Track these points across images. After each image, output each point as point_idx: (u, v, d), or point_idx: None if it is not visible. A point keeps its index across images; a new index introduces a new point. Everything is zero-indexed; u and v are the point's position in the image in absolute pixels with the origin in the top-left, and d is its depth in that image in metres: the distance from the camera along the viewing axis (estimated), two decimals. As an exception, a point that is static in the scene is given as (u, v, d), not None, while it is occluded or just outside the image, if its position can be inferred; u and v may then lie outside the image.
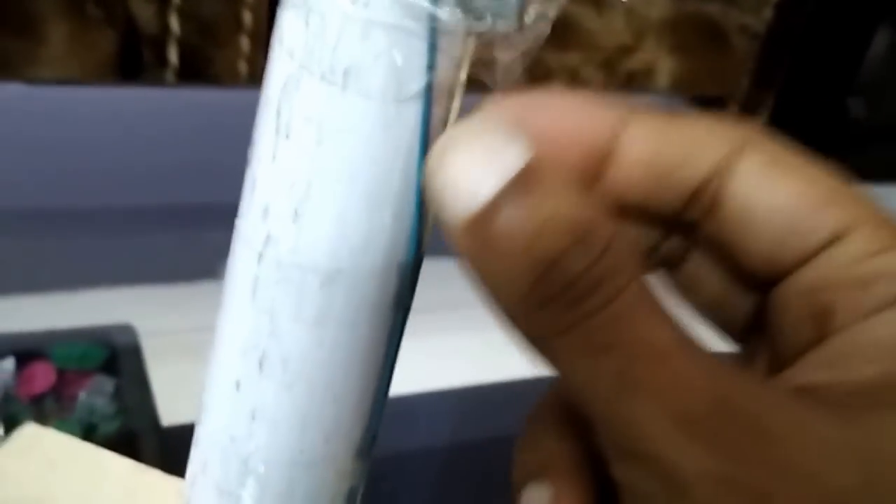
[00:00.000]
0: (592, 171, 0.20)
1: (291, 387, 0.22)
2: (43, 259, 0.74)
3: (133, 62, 1.06)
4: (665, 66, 1.45)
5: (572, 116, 0.20)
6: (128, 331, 0.65)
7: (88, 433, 0.59)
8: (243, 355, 0.22)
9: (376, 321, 0.22)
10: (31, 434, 0.45)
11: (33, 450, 0.44)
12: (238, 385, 0.23)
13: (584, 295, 0.16)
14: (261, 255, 0.21)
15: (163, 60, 1.07)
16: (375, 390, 0.23)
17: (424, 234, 0.22)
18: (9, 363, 0.60)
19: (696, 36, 1.38)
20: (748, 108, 1.31)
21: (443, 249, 0.19)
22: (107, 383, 0.61)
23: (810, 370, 0.18)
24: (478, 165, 0.17)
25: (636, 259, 0.17)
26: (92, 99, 0.87)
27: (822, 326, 0.19)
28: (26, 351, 0.62)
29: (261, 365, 0.22)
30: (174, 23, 1.06)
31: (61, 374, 0.62)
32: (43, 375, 0.61)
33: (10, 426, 0.58)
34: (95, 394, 0.61)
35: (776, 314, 0.20)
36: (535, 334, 0.18)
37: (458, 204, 0.17)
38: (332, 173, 0.19)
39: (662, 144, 0.20)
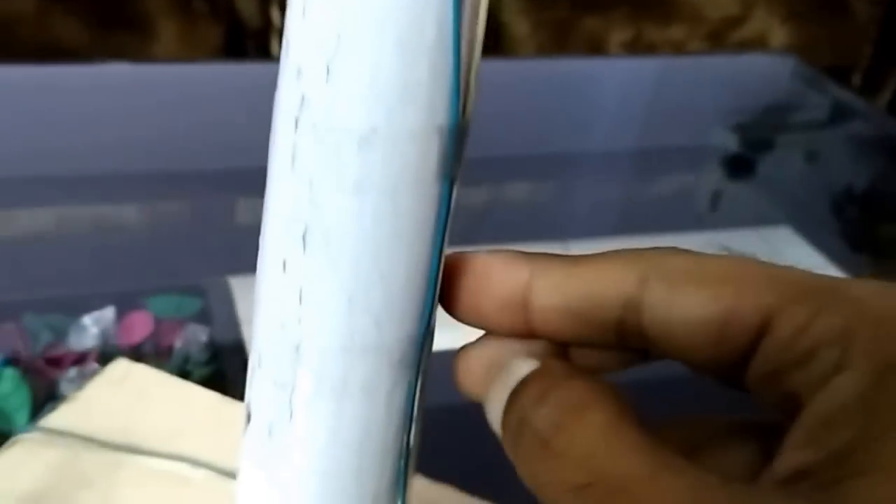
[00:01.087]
0: (519, 324, 0.22)
1: (336, 263, 0.21)
2: (144, 217, 0.77)
3: (238, 54, 1.08)
4: (778, 36, 1.38)
5: (489, 280, 0.22)
6: (221, 283, 0.66)
7: (184, 378, 0.60)
8: (287, 231, 0.22)
9: (419, 190, 0.21)
10: (123, 368, 0.46)
11: (125, 382, 0.45)
12: (284, 265, 0.22)
13: (551, 439, 0.19)
14: (297, 121, 0.20)
15: (266, 52, 1.09)
16: (425, 271, 0.22)
17: (468, 98, 0.20)
18: (109, 312, 0.62)
19: (811, 2, 1.31)
20: (872, 79, 1.24)
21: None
22: (200, 332, 0.62)
23: (796, 453, 0.18)
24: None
25: (591, 394, 0.19)
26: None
27: (792, 409, 0.19)
28: (125, 301, 0.64)
29: (304, 240, 0.21)
30: (276, 16, 1.08)
31: (158, 323, 0.63)
32: (141, 324, 0.63)
33: None
34: (190, 342, 0.62)
35: (756, 397, 0.21)
36: (530, 483, 0.20)
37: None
38: (362, 22, 0.18)
39: (567, 293, 0.21)
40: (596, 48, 1.29)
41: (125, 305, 0.64)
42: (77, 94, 0.88)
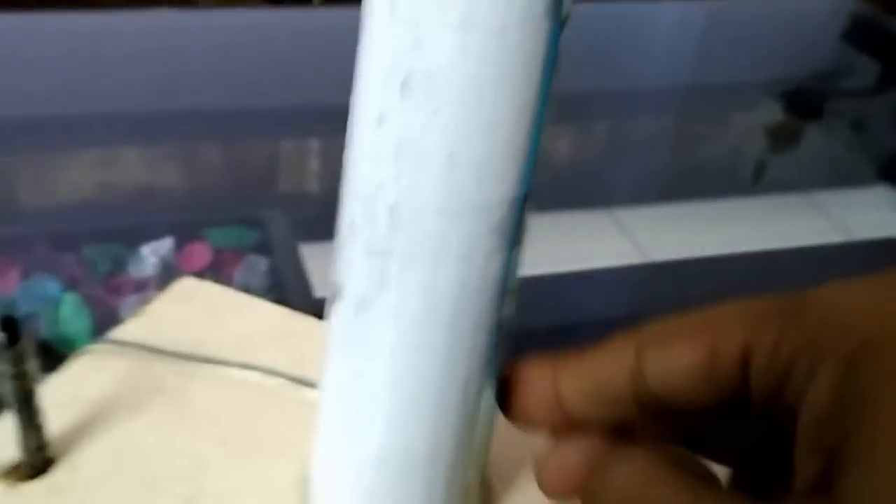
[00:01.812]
0: (560, 419, 0.24)
1: (438, 112, 0.20)
2: (201, 152, 0.77)
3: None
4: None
5: (527, 387, 0.24)
6: (278, 215, 0.66)
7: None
8: (386, 81, 0.21)
9: (527, 29, 0.20)
10: (189, 284, 0.46)
11: (192, 298, 0.45)
12: (381, 119, 0.21)
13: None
14: (399, -44, 0.19)
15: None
16: (530, 121, 0.21)
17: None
18: (168, 241, 0.62)
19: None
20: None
21: None
22: (260, 262, 0.62)
23: (805, 465, 0.19)
24: None
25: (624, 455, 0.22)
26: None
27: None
28: (184, 232, 0.64)
29: (404, 87, 0.20)
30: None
31: (217, 253, 0.63)
32: (200, 255, 0.63)
33: None
34: (250, 271, 0.62)
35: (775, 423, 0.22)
36: None
37: None
38: None
39: (585, 382, 0.23)
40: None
41: (184, 236, 0.64)
42: (127, 38, 0.88)
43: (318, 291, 0.60)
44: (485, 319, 0.24)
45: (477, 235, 0.22)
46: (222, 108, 0.80)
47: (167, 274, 0.61)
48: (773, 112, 1.16)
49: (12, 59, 0.79)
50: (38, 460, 0.33)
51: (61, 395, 0.37)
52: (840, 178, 1.22)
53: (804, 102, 1.18)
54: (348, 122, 0.23)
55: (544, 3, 0.19)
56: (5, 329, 0.29)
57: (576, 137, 1.05)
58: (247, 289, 0.62)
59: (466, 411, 0.27)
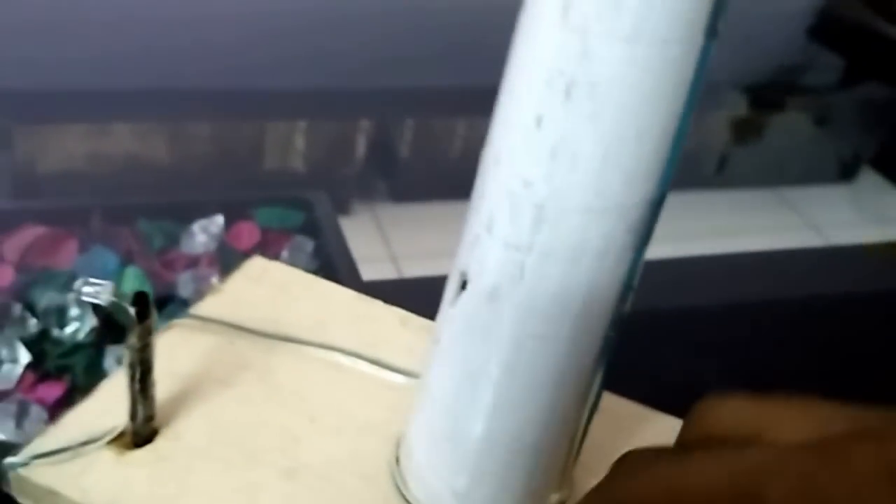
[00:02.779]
0: None
1: (597, 116, 0.22)
2: (249, 132, 0.78)
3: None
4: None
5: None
6: (323, 197, 0.67)
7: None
8: (548, 85, 0.22)
9: (687, 43, 0.21)
10: (260, 264, 0.47)
11: (263, 277, 0.46)
12: (539, 121, 0.23)
13: None
14: (577, -31, 0.20)
15: None
16: (675, 130, 0.23)
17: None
18: (218, 219, 0.63)
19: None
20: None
21: None
22: (306, 243, 0.63)
23: None
24: None
25: None
26: None
27: None
28: (233, 211, 0.65)
29: (567, 93, 0.22)
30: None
31: (264, 233, 0.64)
32: (248, 234, 0.64)
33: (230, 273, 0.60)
34: (297, 252, 0.63)
35: None
36: None
37: None
38: None
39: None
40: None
41: (233, 215, 0.65)
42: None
43: (366, 274, 0.61)
44: (608, 314, 0.26)
45: (614, 234, 0.24)
46: (265, 89, 0.81)
47: (218, 251, 0.62)
48: (737, 106, 1.17)
49: (73, 28, 0.80)
50: (146, 430, 0.34)
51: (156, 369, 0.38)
52: (804, 173, 1.24)
53: (768, 97, 1.20)
54: (493, 122, 0.24)
55: (705, 20, 0.21)
56: (136, 304, 0.31)
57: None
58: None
59: (577, 401, 0.28)
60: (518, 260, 0.25)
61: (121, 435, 0.35)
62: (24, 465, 0.34)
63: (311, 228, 0.65)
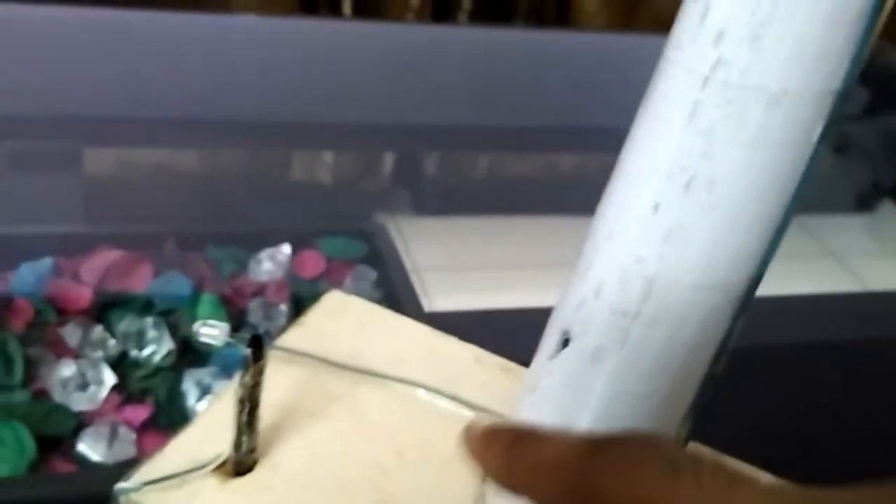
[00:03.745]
0: None
1: (713, 209, 0.24)
2: (313, 161, 0.81)
3: (311, 10, 1.12)
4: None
5: None
6: (383, 228, 0.70)
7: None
8: (668, 178, 0.24)
9: (801, 148, 0.24)
10: (338, 298, 0.50)
11: (343, 312, 0.48)
12: (657, 207, 0.25)
13: None
14: (706, 80, 0.23)
15: (336, 9, 1.13)
16: (781, 220, 0.25)
17: (857, 66, 0.23)
18: (286, 248, 0.66)
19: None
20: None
21: None
22: (369, 272, 0.66)
23: None
24: None
25: None
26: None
27: None
28: (297, 240, 0.67)
29: (687, 187, 0.24)
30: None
31: (329, 262, 0.67)
32: (313, 262, 0.67)
33: (297, 301, 0.63)
34: (360, 280, 0.66)
35: None
36: None
37: None
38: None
39: None
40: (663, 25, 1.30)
41: (297, 244, 0.68)
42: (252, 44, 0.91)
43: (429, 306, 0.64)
44: (702, 374, 0.28)
45: (718, 306, 0.26)
46: (319, 120, 0.84)
47: (286, 279, 0.65)
48: None
49: (145, 54, 0.83)
50: (248, 460, 0.37)
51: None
52: (822, 202, 1.26)
53: None
54: (605, 201, 0.27)
55: (821, 127, 0.23)
56: (252, 346, 0.33)
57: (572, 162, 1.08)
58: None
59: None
60: (624, 326, 0.27)
61: (223, 463, 0.37)
62: (136, 490, 0.36)
63: (372, 259, 0.67)
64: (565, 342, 0.30)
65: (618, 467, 0.20)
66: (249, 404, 0.36)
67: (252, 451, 0.37)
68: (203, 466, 0.37)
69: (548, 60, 1.07)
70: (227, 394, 0.42)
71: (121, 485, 0.37)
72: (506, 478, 0.24)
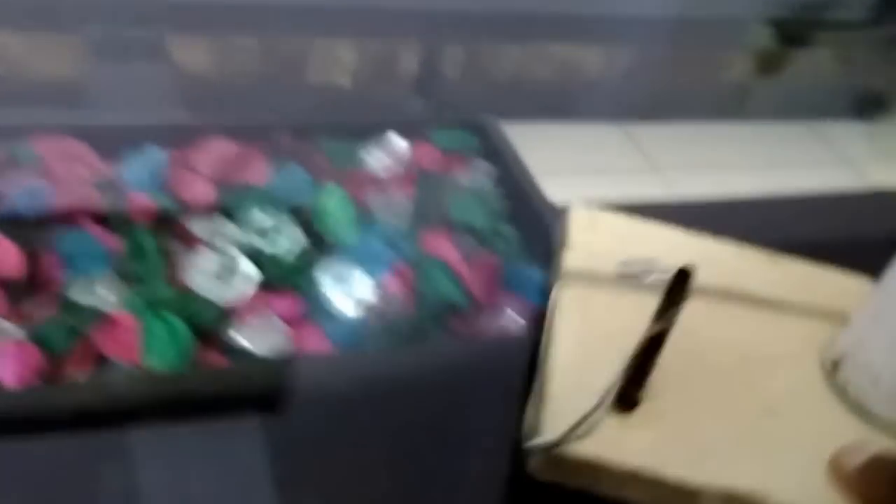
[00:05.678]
0: None
1: None
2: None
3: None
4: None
5: None
6: (493, 121, 0.65)
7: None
8: None
9: None
10: (585, 215, 0.47)
11: (597, 228, 0.46)
12: None
13: None
14: None
15: None
16: None
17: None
18: (401, 141, 0.60)
19: None
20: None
21: None
22: (487, 167, 0.62)
23: None
24: None
25: None
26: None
27: None
28: (408, 131, 0.62)
29: None
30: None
31: (444, 155, 0.62)
32: (428, 155, 0.62)
33: (426, 188, 0.59)
34: (479, 175, 0.62)
35: None
36: None
37: None
38: None
39: None
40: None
41: (409, 136, 0.63)
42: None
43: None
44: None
45: None
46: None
47: (403, 172, 0.59)
48: (763, 40, 1.23)
49: None
50: (639, 393, 0.35)
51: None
52: (830, 108, 1.32)
53: (794, 31, 1.25)
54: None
55: None
56: (678, 281, 0.31)
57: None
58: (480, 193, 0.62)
59: None
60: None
61: (618, 398, 0.35)
62: (557, 444, 0.33)
63: (487, 152, 0.64)
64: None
65: None
66: (661, 342, 0.34)
67: (644, 385, 0.35)
68: (597, 407, 0.35)
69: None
70: (565, 325, 0.39)
71: (534, 443, 0.34)
72: None
